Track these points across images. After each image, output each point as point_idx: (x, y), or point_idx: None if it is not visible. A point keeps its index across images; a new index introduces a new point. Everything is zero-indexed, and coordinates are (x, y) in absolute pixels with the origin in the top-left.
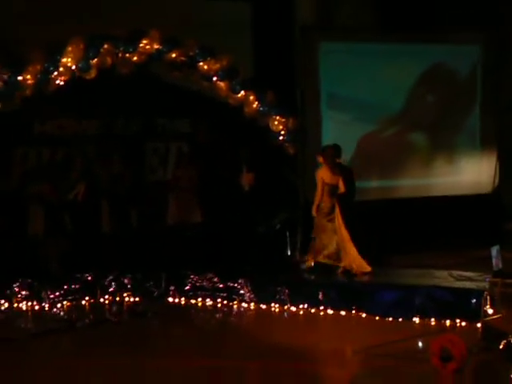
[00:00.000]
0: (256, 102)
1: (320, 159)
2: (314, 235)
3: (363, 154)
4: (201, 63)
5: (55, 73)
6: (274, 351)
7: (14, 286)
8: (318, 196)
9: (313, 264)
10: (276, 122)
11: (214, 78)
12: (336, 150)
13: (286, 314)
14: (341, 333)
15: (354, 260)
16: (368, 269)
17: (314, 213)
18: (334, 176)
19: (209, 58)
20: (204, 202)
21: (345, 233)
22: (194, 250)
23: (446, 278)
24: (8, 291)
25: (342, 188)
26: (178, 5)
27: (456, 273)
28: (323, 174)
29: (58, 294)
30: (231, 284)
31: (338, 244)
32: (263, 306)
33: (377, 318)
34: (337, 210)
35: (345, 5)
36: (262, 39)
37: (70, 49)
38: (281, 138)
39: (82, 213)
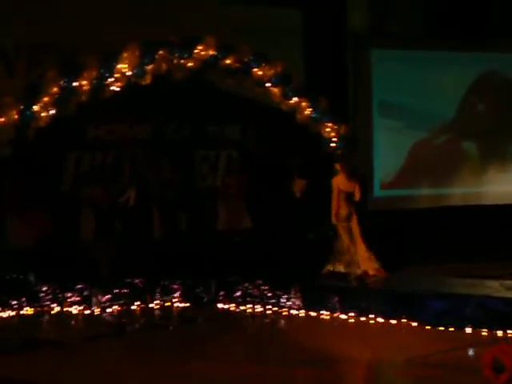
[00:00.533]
0: (309, 109)
1: (338, 166)
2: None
3: (414, 162)
4: (255, 69)
5: (111, 79)
6: (322, 359)
7: (65, 290)
8: (334, 203)
9: (331, 269)
10: (328, 129)
11: (268, 84)
12: (346, 157)
13: (335, 321)
14: (391, 342)
15: (370, 265)
16: (383, 274)
17: (334, 220)
18: (350, 183)
19: (263, 64)
20: (253, 209)
21: (361, 240)
22: (244, 256)
23: (497, 288)
24: (59, 295)
25: (357, 196)
26: (229, 11)
27: (507, 283)
28: (339, 182)
29: (108, 298)
30: (281, 291)
31: (356, 251)
32: (313, 314)
33: (427, 327)
34: (354, 218)
35: (397, 12)
36: (314, 46)
37: (125, 55)
38: (332, 144)
39: (133, 218)
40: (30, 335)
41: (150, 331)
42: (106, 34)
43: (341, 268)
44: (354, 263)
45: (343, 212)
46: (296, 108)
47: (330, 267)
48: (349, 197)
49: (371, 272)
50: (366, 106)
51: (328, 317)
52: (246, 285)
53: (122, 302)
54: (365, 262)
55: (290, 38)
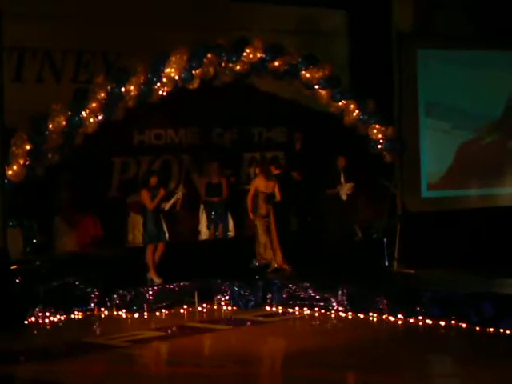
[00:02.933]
0: (357, 111)
1: (257, 170)
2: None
3: (462, 163)
4: (303, 71)
5: (158, 84)
6: (372, 361)
7: (114, 294)
8: (249, 203)
9: (257, 264)
10: (375, 131)
11: (316, 87)
12: (273, 161)
13: (384, 323)
14: (438, 344)
15: (280, 259)
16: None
17: (251, 217)
18: (269, 185)
19: (311, 67)
20: (300, 211)
21: (276, 236)
22: (290, 259)
23: None
24: (108, 299)
25: (277, 196)
26: (274, 13)
27: None
28: (258, 184)
29: (156, 302)
30: (328, 293)
31: (271, 245)
32: (361, 316)
33: (477, 328)
34: (271, 216)
35: (443, 12)
36: (359, 47)
37: (173, 59)
38: (379, 146)
39: (180, 221)
40: (80, 339)
41: (196, 333)
42: (154, 38)
43: (265, 260)
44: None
45: (263, 211)
46: (344, 110)
47: (255, 262)
48: (267, 197)
49: (278, 263)
50: (412, 106)
51: (376, 319)
52: (294, 287)
53: (170, 305)
54: (276, 255)
55: (335, 39)
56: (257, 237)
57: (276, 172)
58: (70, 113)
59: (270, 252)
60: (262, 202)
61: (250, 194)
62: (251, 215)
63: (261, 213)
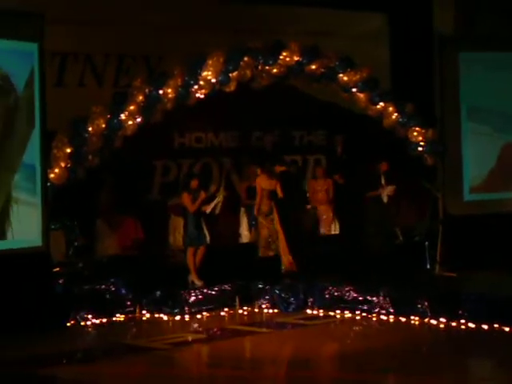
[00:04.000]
0: (395, 114)
1: (258, 171)
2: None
3: (504, 166)
4: (340, 74)
5: (195, 86)
6: (414, 365)
7: (155, 296)
8: (257, 200)
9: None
10: (415, 133)
11: (354, 90)
12: (277, 159)
13: (426, 326)
14: (482, 348)
15: (288, 262)
16: (294, 268)
17: (255, 213)
18: (271, 182)
19: (348, 70)
20: (342, 215)
21: (282, 233)
22: (332, 261)
23: None
24: (149, 302)
25: (279, 193)
26: (313, 15)
27: None
28: (261, 181)
29: (197, 304)
30: (370, 296)
31: (277, 239)
32: (402, 319)
33: None
34: (275, 212)
35: (484, 14)
36: (400, 49)
37: (210, 62)
38: (420, 149)
39: (221, 224)
40: (121, 341)
41: (237, 336)
42: (194, 41)
43: (270, 253)
44: (278, 248)
45: (264, 207)
46: (383, 113)
47: (260, 254)
48: (270, 194)
49: (285, 265)
50: (453, 109)
51: (417, 322)
52: (335, 290)
53: (211, 307)
54: (284, 255)
55: (376, 42)
56: (259, 232)
57: (281, 169)
58: (109, 115)
59: (274, 246)
60: (265, 199)
61: (258, 192)
62: (255, 212)
63: (263, 210)
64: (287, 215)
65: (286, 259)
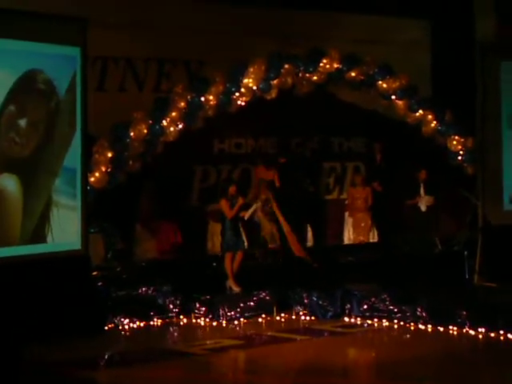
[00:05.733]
0: (434, 122)
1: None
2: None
3: None
4: (380, 82)
5: (237, 93)
6: (450, 375)
7: (193, 301)
8: (252, 189)
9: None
10: (454, 142)
11: (393, 97)
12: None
13: (464, 337)
14: None
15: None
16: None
17: (249, 199)
18: (269, 173)
19: (388, 77)
20: (380, 223)
21: (285, 222)
22: (370, 269)
23: None
24: (187, 307)
25: (277, 182)
26: (354, 21)
27: None
28: (259, 172)
29: (235, 310)
30: (408, 305)
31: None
32: (440, 329)
33: None
34: (273, 202)
35: None
36: (441, 56)
37: (251, 69)
38: (459, 157)
39: (259, 230)
40: (158, 346)
41: (274, 343)
42: (235, 47)
43: (274, 245)
44: (276, 238)
45: (263, 196)
46: (422, 121)
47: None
48: (268, 184)
49: (296, 253)
50: (494, 118)
51: (456, 332)
52: (373, 299)
53: (248, 314)
54: (292, 243)
55: (417, 49)
56: (262, 224)
57: (282, 161)
58: (150, 121)
59: (277, 239)
60: (262, 188)
61: (256, 181)
62: (250, 198)
63: (262, 198)
64: (286, 204)
65: (295, 248)
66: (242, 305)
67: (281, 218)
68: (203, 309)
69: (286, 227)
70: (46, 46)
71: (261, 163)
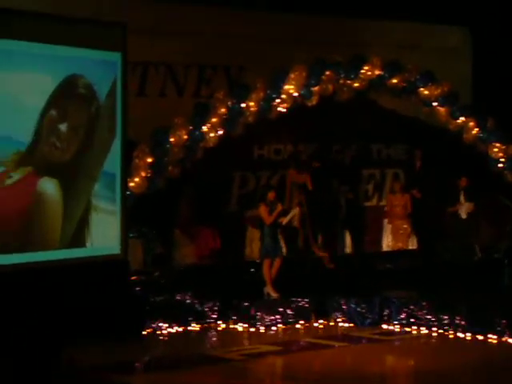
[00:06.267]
0: (476, 129)
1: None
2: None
3: None
4: (421, 89)
5: (277, 100)
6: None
7: (231, 307)
8: (287, 193)
9: None
10: (495, 149)
11: (434, 104)
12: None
13: (503, 345)
14: None
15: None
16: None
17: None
18: (301, 176)
19: (430, 84)
20: (419, 230)
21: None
22: (409, 276)
23: None
24: (225, 313)
25: (309, 186)
26: (396, 28)
27: None
28: (291, 175)
29: (273, 316)
30: (446, 313)
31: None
32: (479, 337)
33: None
34: (304, 205)
35: None
36: (482, 63)
37: (292, 76)
38: (500, 165)
39: (297, 236)
40: (196, 351)
41: (313, 350)
42: (275, 53)
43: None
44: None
45: (295, 200)
46: (463, 128)
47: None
48: (300, 187)
49: (316, 252)
50: None
51: (495, 340)
52: (412, 306)
53: (286, 320)
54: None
55: (458, 56)
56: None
57: (316, 165)
58: (191, 127)
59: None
60: (294, 191)
61: (288, 185)
62: (286, 204)
63: (295, 201)
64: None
65: (316, 249)
66: (280, 311)
67: (309, 222)
68: (241, 315)
69: (309, 229)
70: (87, 52)
71: (293, 167)
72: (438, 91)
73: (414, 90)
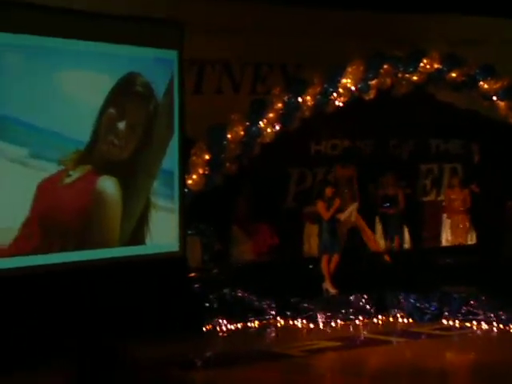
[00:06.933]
0: None
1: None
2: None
3: None
4: (481, 82)
5: (334, 94)
6: None
7: (290, 303)
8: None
9: None
10: None
11: (494, 98)
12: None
13: None
14: None
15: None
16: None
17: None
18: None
19: (489, 78)
20: (479, 224)
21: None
22: (469, 272)
23: None
24: (284, 309)
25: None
26: (455, 23)
27: None
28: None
29: (332, 312)
30: (507, 308)
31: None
32: None
33: None
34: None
35: None
36: None
37: (349, 70)
38: None
39: (355, 232)
40: (255, 347)
41: (374, 345)
42: (331, 50)
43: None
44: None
45: (346, 195)
46: None
47: None
48: (347, 182)
49: (372, 248)
50: None
51: None
52: (473, 301)
53: (346, 316)
54: (367, 239)
55: None
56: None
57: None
58: (247, 123)
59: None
60: (341, 186)
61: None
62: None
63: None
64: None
65: (371, 244)
66: (339, 307)
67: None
68: (300, 311)
69: (361, 224)
70: (145, 50)
71: (339, 162)
72: (497, 85)
73: (473, 84)
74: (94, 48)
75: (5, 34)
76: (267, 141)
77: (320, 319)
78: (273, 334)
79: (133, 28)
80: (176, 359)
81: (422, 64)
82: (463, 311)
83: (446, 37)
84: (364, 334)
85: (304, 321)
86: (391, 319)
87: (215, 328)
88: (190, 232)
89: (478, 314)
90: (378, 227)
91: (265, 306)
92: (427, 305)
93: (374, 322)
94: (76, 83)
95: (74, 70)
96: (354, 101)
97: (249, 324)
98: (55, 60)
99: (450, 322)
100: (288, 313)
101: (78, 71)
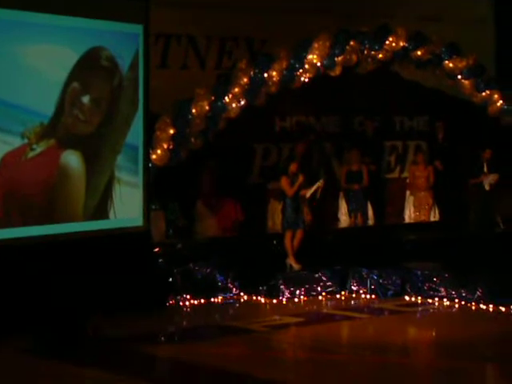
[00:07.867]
0: (500, 101)
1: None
2: None
3: None
4: (446, 61)
5: (300, 70)
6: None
7: (253, 279)
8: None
9: None
10: None
11: (459, 76)
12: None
13: None
14: None
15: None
16: None
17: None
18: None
19: (454, 56)
20: (442, 201)
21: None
22: (432, 248)
23: None
24: (247, 284)
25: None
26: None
27: None
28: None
29: (295, 288)
30: (469, 285)
31: None
32: (502, 308)
33: None
34: None
35: None
36: (505, 35)
37: (316, 45)
38: None
39: (320, 208)
40: (219, 322)
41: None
42: (297, 25)
43: None
44: None
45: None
46: (487, 100)
47: None
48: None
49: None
50: None
51: None
52: (434, 277)
53: (307, 291)
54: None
55: (482, 28)
56: None
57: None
58: (213, 98)
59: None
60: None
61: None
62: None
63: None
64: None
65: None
66: (302, 283)
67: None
68: (263, 286)
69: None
70: (110, 24)
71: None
72: (463, 64)
73: (438, 63)
74: (58, 21)
75: None
76: (232, 116)
77: (283, 295)
78: (236, 310)
79: (98, 2)
80: (139, 334)
81: (387, 42)
82: (426, 288)
83: (413, 13)
84: (327, 309)
85: (267, 296)
86: (354, 295)
87: (179, 303)
88: (154, 207)
89: (440, 291)
90: (342, 203)
91: (228, 282)
92: (390, 281)
93: (336, 298)
94: (40, 57)
95: (38, 43)
96: (320, 77)
97: (212, 299)
98: (18, 33)
99: (413, 299)
100: (251, 288)
101: (41, 45)
